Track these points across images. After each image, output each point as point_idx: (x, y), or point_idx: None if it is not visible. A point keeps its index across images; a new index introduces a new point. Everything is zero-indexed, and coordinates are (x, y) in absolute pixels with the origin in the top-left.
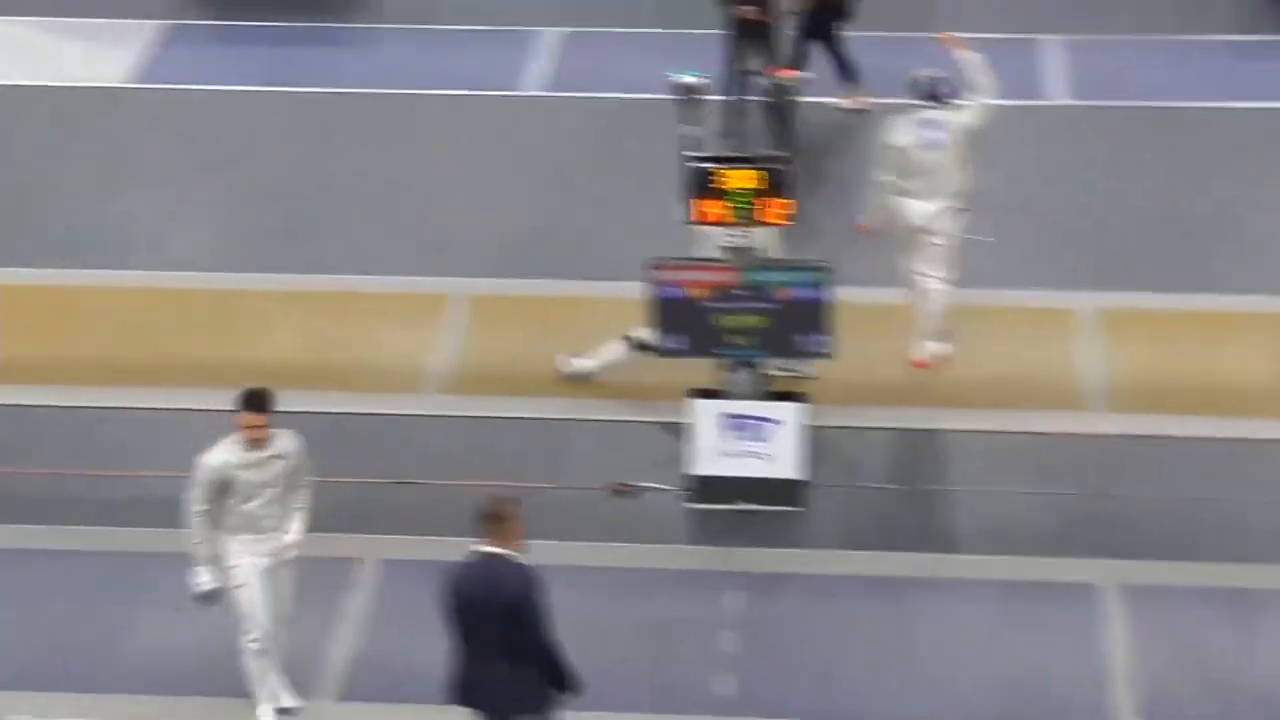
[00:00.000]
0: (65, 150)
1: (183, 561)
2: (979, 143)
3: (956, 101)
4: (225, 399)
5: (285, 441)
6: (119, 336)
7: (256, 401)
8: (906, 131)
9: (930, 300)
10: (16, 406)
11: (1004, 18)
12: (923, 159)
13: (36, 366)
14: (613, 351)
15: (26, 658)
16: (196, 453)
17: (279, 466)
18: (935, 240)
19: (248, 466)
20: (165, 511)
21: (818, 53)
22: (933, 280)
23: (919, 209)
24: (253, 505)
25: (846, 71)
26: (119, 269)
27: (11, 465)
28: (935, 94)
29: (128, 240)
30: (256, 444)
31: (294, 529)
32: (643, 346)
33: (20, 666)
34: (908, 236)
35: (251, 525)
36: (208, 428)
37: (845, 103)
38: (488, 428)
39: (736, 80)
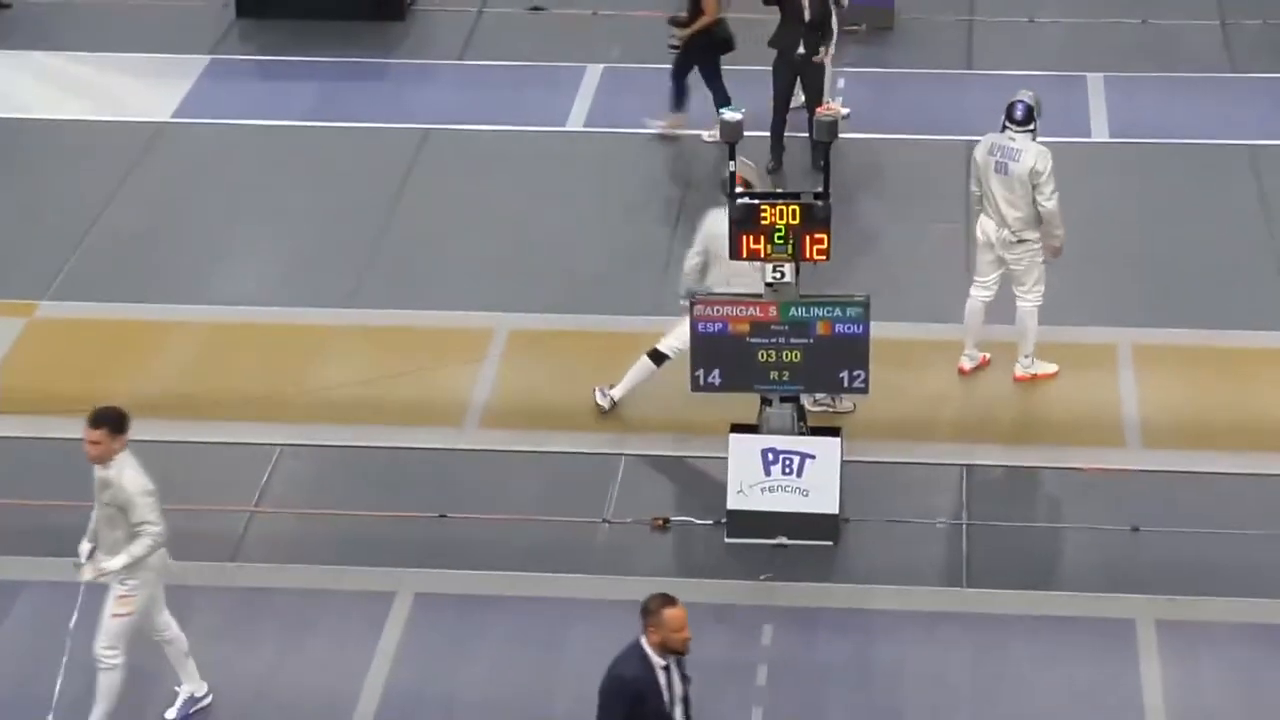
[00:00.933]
0: (112, 184)
1: (232, 595)
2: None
3: (1034, 131)
4: (271, 433)
5: (117, 472)
6: (178, 372)
7: (93, 418)
8: (984, 148)
9: (1020, 318)
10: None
11: (1045, 54)
12: (992, 179)
13: (95, 400)
14: (637, 371)
15: None
16: (237, 487)
17: (106, 492)
18: (1010, 260)
19: (95, 478)
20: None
21: (694, 79)
22: (1021, 300)
23: (986, 226)
24: (94, 517)
25: (680, 99)
26: (168, 303)
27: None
28: (1013, 118)
29: (180, 276)
30: (91, 459)
31: (108, 560)
32: (656, 356)
33: None
34: (979, 249)
35: (95, 536)
36: (248, 459)
37: (659, 125)
38: (528, 462)
39: (781, 117)
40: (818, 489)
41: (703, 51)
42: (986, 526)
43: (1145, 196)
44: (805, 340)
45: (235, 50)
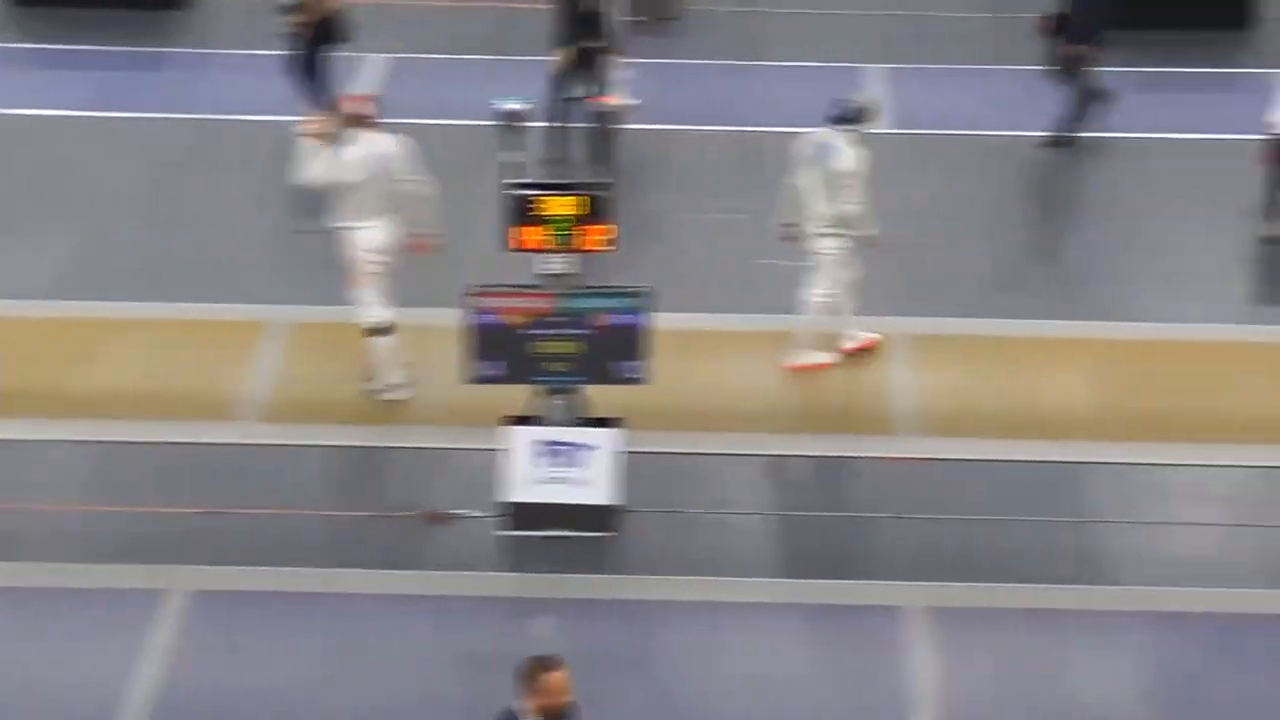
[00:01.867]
0: None
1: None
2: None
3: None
4: (54, 429)
5: None
6: None
7: None
8: (805, 147)
9: (807, 310)
10: None
11: (828, 47)
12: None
13: None
14: (378, 357)
15: None
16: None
17: None
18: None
19: None
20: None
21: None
22: (813, 293)
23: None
24: None
25: (316, 93)
26: None
27: None
28: (831, 117)
29: None
30: None
31: None
32: (376, 331)
33: None
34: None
35: None
36: (38, 458)
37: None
38: (303, 456)
39: (560, 107)
40: (596, 480)
41: (315, 43)
42: (763, 515)
43: (923, 187)
44: (583, 331)
45: (9, 39)
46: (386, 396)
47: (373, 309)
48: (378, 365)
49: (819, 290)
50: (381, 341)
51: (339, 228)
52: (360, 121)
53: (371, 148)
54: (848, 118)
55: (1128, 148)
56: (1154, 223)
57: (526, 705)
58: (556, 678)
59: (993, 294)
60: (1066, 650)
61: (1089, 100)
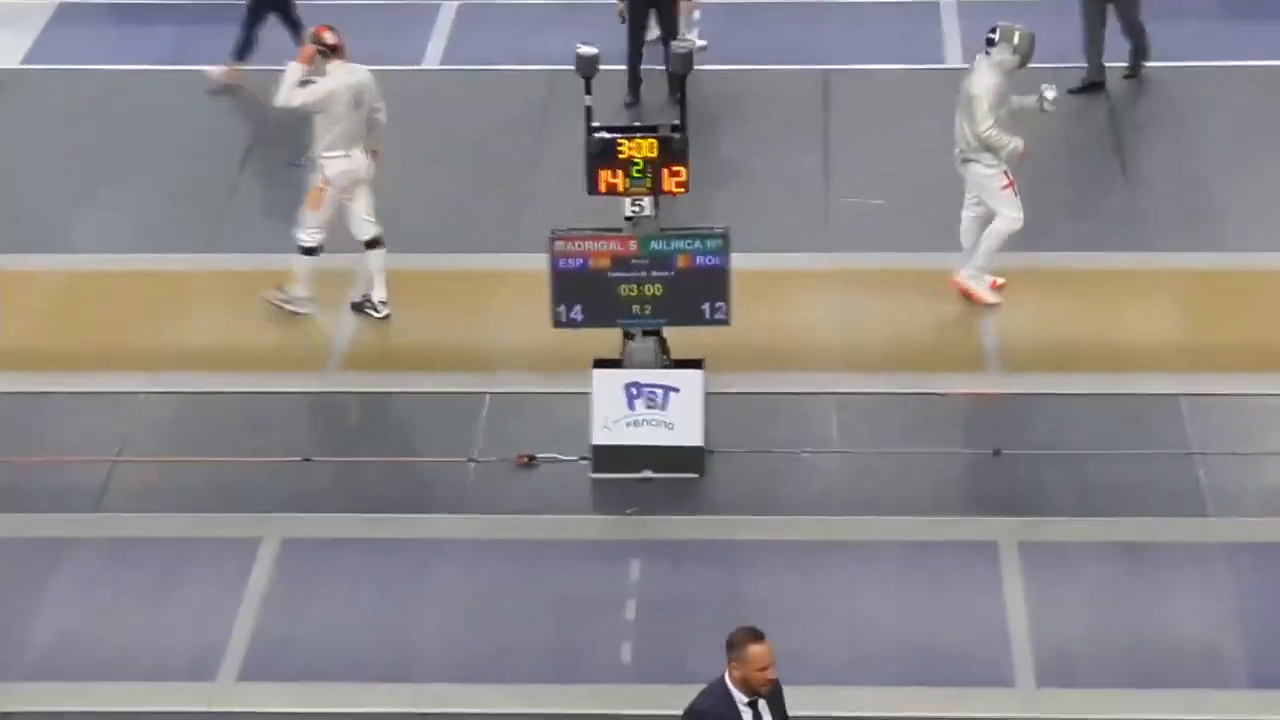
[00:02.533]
0: None
1: (99, 547)
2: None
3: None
4: (132, 382)
5: None
6: (35, 321)
7: None
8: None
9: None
10: None
11: None
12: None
13: None
14: (297, 273)
15: None
16: (111, 436)
17: None
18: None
19: None
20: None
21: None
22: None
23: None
24: None
25: (247, 47)
26: (31, 253)
27: None
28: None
29: (31, 226)
30: None
31: None
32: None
33: None
34: None
35: None
36: (127, 410)
37: (217, 72)
38: (392, 403)
39: (637, 50)
40: (682, 422)
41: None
42: (851, 455)
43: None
44: (666, 273)
45: None
46: (287, 308)
47: (313, 233)
48: (292, 279)
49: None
50: (306, 260)
51: (318, 156)
52: (336, 52)
53: (349, 78)
54: (987, 39)
55: (1203, 76)
56: (1240, 151)
57: (731, 674)
58: (759, 650)
59: (1077, 226)
60: (1159, 583)
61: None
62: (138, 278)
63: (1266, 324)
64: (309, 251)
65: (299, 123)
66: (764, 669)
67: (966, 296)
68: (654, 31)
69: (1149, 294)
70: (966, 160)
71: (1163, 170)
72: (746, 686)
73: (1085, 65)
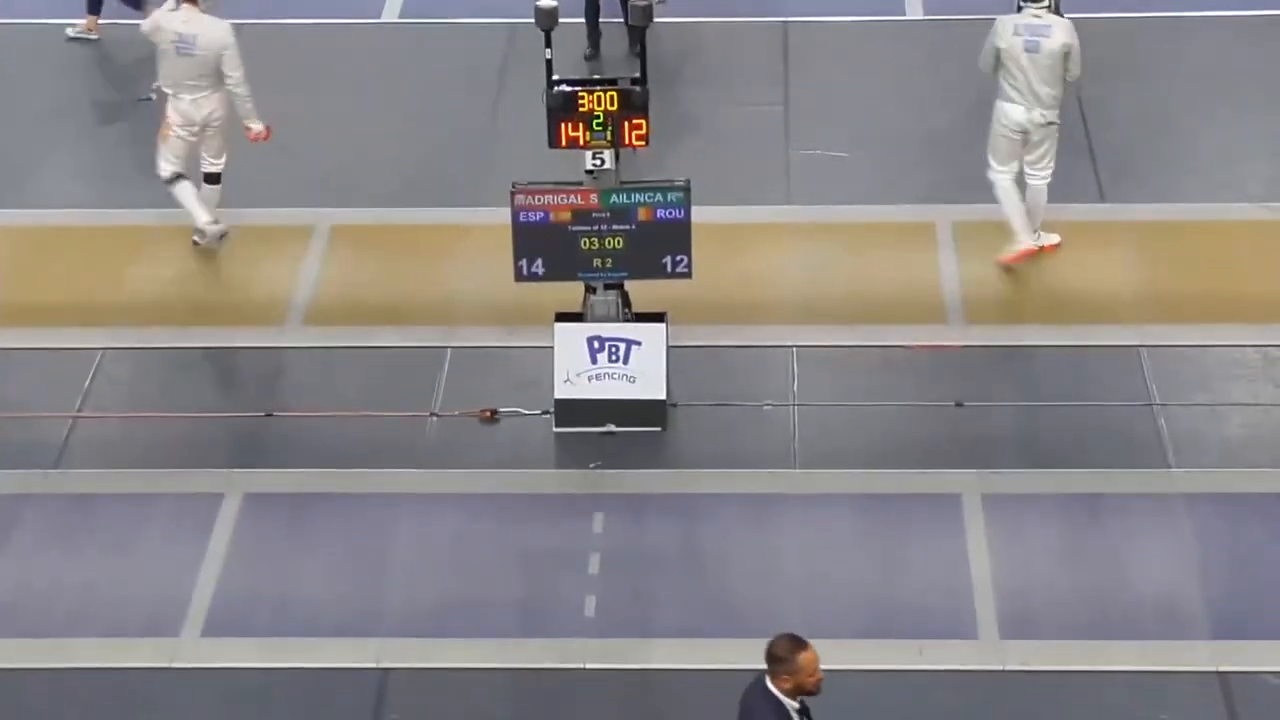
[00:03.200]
0: None
1: (58, 503)
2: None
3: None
4: (91, 338)
5: None
6: None
7: None
8: (1008, 31)
9: (1034, 195)
10: None
11: None
12: (1024, 59)
13: None
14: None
15: None
16: (71, 392)
17: None
18: (1035, 140)
19: None
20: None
21: None
22: (1036, 178)
23: (1012, 111)
24: None
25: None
26: None
27: None
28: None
29: None
30: None
31: None
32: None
33: None
34: (1000, 136)
35: None
36: (87, 366)
37: (79, 27)
38: (353, 358)
39: (594, 4)
40: (645, 375)
41: None
42: (813, 407)
43: (958, 72)
44: (627, 227)
45: None
46: (202, 243)
47: (163, 164)
48: (191, 208)
49: (1047, 172)
50: (180, 187)
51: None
52: None
53: (178, 24)
54: None
55: (1163, 26)
56: (1201, 101)
57: (781, 685)
58: (809, 657)
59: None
60: (1122, 535)
61: None
62: (98, 232)
63: (1226, 275)
64: (169, 181)
65: None
66: (815, 673)
67: (1028, 255)
68: None
69: (1109, 245)
70: (1050, 122)
71: (1123, 120)
72: (799, 691)
73: None
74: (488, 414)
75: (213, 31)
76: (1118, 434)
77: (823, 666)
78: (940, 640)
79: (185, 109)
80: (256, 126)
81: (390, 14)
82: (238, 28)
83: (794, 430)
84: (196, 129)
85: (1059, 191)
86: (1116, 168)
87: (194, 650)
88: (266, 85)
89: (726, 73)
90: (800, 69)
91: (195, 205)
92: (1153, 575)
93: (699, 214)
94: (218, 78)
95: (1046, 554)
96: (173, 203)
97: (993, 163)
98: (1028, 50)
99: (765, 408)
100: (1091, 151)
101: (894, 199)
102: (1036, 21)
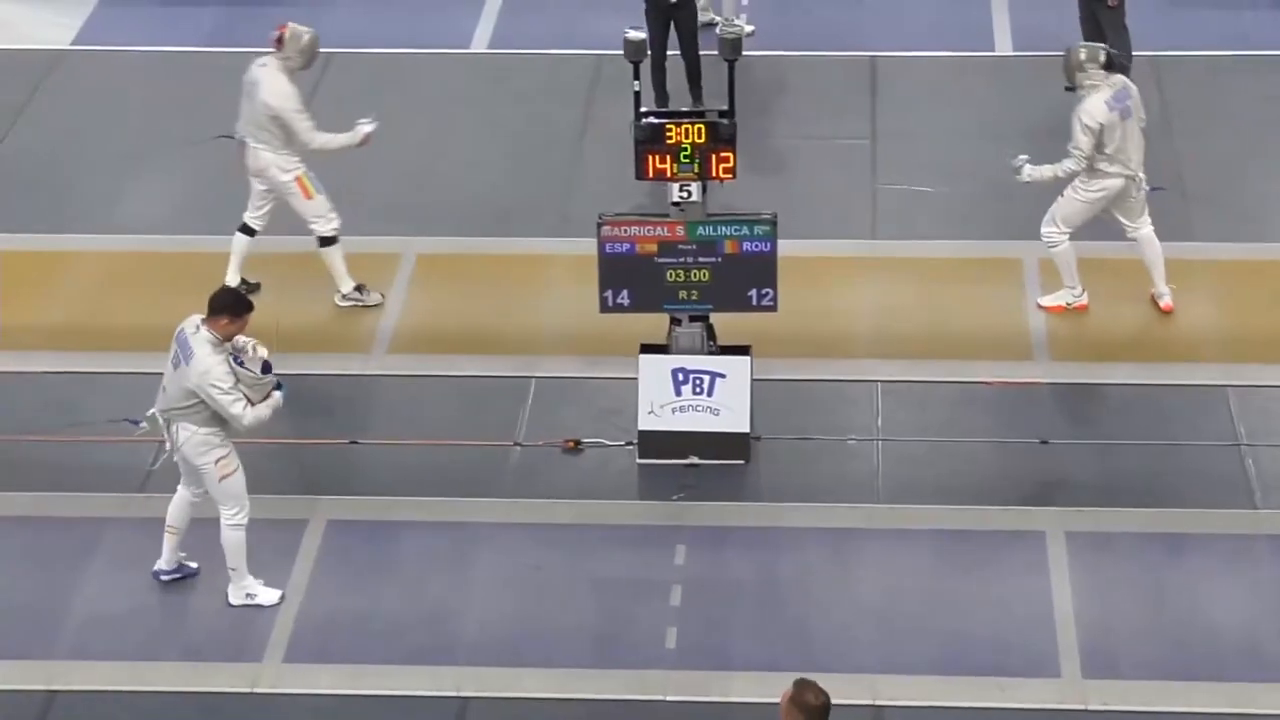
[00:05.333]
0: (10, 115)
1: (143, 526)
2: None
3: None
4: None
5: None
6: (83, 300)
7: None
8: (1102, 108)
9: (1155, 247)
10: None
11: None
12: (1120, 129)
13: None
14: (237, 248)
15: None
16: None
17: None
18: (1135, 199)
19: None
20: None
21: None
22: (1144, 228)
23: (1111, 184)
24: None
25: None
26: (79, 233)
27: None
28: (1113, 63)
29: (77, 206)
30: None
31: None
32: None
33: None
34: (1090, 206)
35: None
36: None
37: None
38: (438, 386)
39: (660, 64)
40: (728, 408)
41: None
42: (897, 442)
43: (1047, 108)
44: (713, 259)
45: None
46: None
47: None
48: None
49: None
50: (236, 237)
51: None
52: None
53: (259, 72)
54: (1110, 62)
55: (1241, 65)
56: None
57: None
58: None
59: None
60: (1206, 575)
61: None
62: (183, 259)
63: None
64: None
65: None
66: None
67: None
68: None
69: (1195, 284)
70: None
71: (1212, 158)
72: None
73: None
74: (571, 444)
75: (271, 87)
76: (1203, 473)
77: (901, 702)
78: (1021, 678)
79: (248, 158)
80: (361, 134)
81: (479, 44)
82: (327, 56)
83: (877, 465)
84: (260, 180)
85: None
86: (1205, 206)
87: (276, 675)
88: (354, 113)
89: (814, 106)
90: (887, 103)
91: (234, 257)
92: (1237, 616)
93: (784, 247)
94: (272, 135)
95: (1130, 593)
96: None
97: (1063, 225)
98: (1124, 119)
99: (849, 442)
100: (1182, 189)
101: (980, 234)
102: (1122, 88)
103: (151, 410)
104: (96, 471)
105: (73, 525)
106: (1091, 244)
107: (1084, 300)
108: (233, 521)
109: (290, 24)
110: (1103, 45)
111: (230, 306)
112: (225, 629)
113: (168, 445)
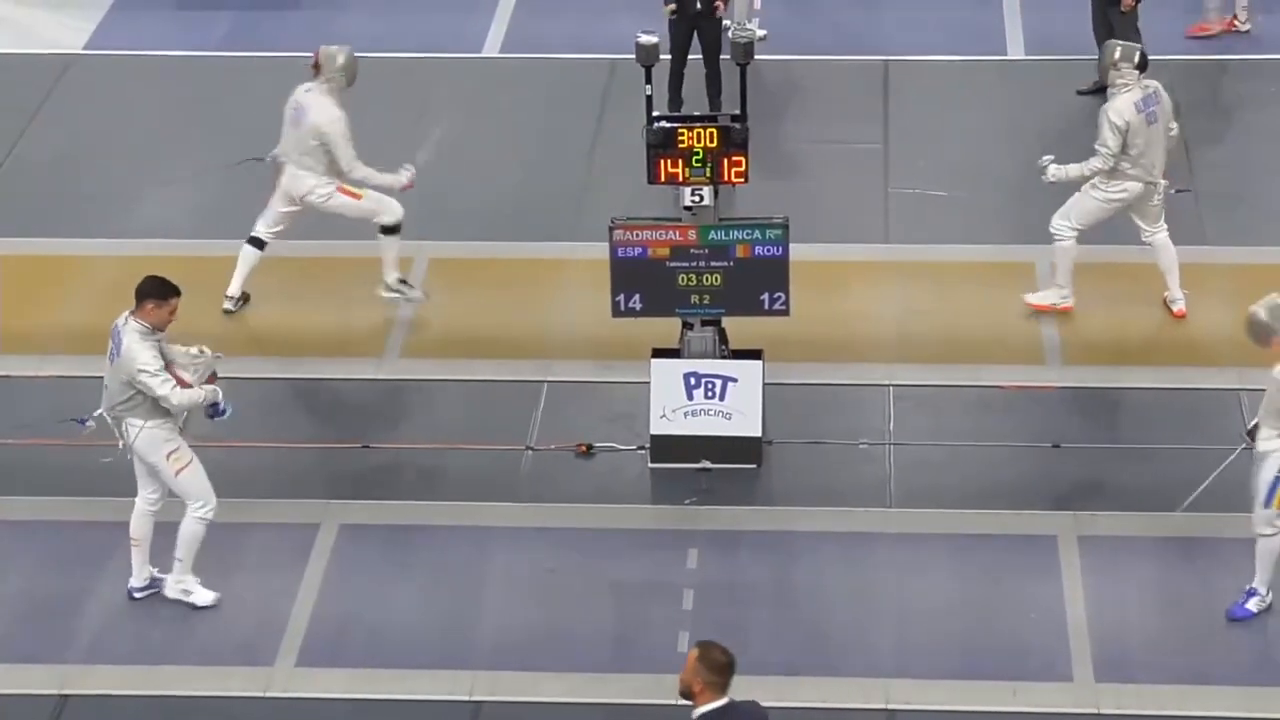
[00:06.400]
0: (23, 119)
1: (157, 530)
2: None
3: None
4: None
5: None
6: (96, 305)
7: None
8: (1129, 109)
9: (1170, 252)
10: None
11: None
12: (1146, 133)
13: (14, 335)
14: (245, 260)
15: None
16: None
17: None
18: (1156, 203)
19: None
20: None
21: None
22: (1160, 233)
23: (1132, 187)
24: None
25: None
26: (92, 237)
27: None
28: (1146, 65)
29: (95, 209)
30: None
31: None
32: (256, 241)
33: None
34: (1109, 207)
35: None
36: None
37: None
38: (450, 390)
39: (678, 73)
40: (740, 412)
41: None
42: (909, 446)
43: (1059, 112)
44: (725, 263)
45: None
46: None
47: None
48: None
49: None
50: (245, 250)
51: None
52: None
53: (305, 97)
54: (1144, 64)
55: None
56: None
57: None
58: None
59: (1122, 218)
60: (1219, 579)
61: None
62: (196, 263)
63: None
64: (248, 240)
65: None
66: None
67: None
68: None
69: (1208, 288)
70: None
71: (1226, 162)
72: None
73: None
74: (583, 448)
75: (320, 111)
76: (1217, 478)
77: (914, 706)
78: (1034, 682)
79: (285, 180)
80: (402, 181)
81: (491, 48)
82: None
83: (889, 469)
84: (296, 204)
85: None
86: (1219, 209)
87: (288, 680)
88: (367, 117)
89: (826, 110)
90: (900, 107)
91: (241, 268)
92: (1250, 620)
93: (797, 251)
94: (317, 160)
95: (1143, 597)
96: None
97: (1078, 224)
98: (1150, 122)
99: (861, 446)
100: (1194, 193)
101: (992, 238)
102: (1149, 91)
103: (99, 410)
104: (110, 476)
105: (85, 529)
106: (1106, 248)
107: (1070, 303)
108: (199, 514)
109: (321, 47)
110: (1138, 45)
111: (152, 291)
112: (238, 633)
113: (120, 444)
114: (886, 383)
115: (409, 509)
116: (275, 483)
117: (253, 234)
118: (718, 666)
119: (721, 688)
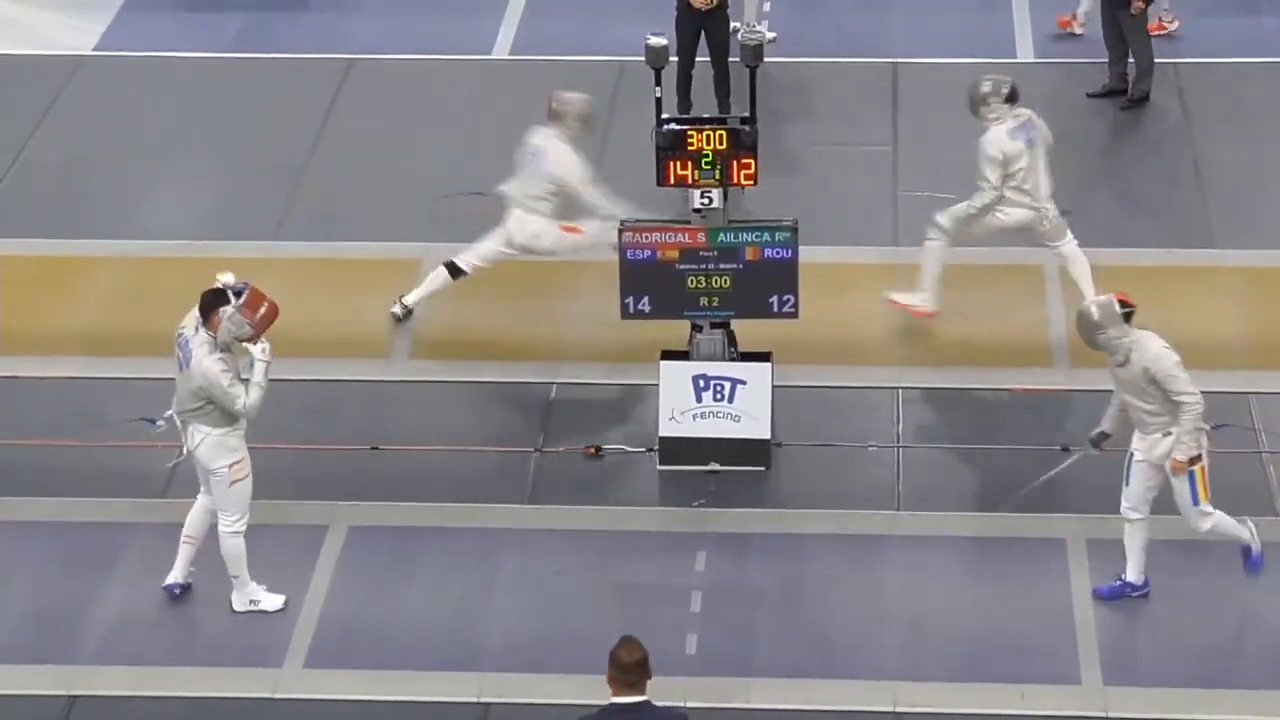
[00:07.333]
0: (33, 120)
1: (165, 531)
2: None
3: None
4: None
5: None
6: (105, 306)
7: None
8: (1003, 139)
9: (1081, 260)
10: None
11: None
12: (1026, 158)
13: (22, 337)
14: (431, 281)
15: (4, 630)
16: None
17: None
18: (1051, 223)
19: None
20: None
21: None
22: (1070, 245)
23: (1018, 214)
24: None
25: None
26: (100, 239)
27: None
28: (1016, 96)
29: (104, 210)
30: None
31: None
32: (453, 269)
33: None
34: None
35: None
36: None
37: None
38: (459, 392)
39: (686, 75)
40: (749, 414)
41: None
42: (918, 449)
43: (1068, 115)
44: (734, 266)
45: None
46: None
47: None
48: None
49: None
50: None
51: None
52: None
53: (545, 141)
54: (1014, 95)
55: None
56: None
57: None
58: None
59: (1145, 223)
60: (1228, 582)
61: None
62: (207, 265)
63: None
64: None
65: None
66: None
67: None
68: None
69: (1217, 291)
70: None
71: (1234, 165)
72: None
73: (1110, 71)
74: (592, 450)
75: (557, 159)
76: (1225, 481)
77: (922, 708)
78: (1042, 685)
79: (511, 224)
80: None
81: (501, 51)
82: (349, 63)
83: (898, 472)
84: (514, 250)
85: (1172, 235)
86: (1227, 212)
87: (296, 681)
88: (376, 119)
89: (835, 113)
90: (909, 110)
91: (429, 285)
92: (1260, 623)
93: (805, 254)
94: (550, 205)
95: (1151, 600)
96: (282, 236)
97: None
98: (1029, 146)
99: (869, 449)
100: (1203, 197)
101: (1000, 241)
102: (1024, 119)
103: (169, 411)
104: (119, 477)
105: (95, 530)
106: (1113, 250)
107: (929, 308)
108: (232, 529)
109: (557, 93)
110: (1008, 79)
111: (216, 305)
112: (246, 634)
113: (185, 448)
114: (895, 385)
115: (417, 511)
116: (284, 484)
117: (455, 261)
118: (622, 664)
119: (631, 685)
